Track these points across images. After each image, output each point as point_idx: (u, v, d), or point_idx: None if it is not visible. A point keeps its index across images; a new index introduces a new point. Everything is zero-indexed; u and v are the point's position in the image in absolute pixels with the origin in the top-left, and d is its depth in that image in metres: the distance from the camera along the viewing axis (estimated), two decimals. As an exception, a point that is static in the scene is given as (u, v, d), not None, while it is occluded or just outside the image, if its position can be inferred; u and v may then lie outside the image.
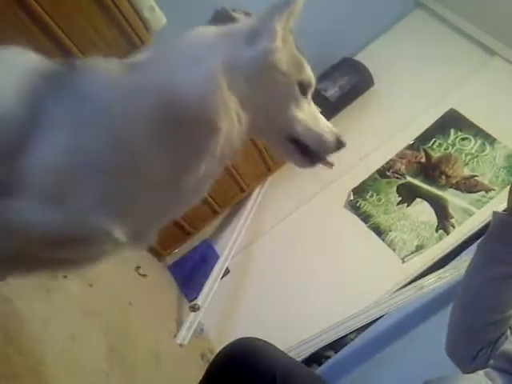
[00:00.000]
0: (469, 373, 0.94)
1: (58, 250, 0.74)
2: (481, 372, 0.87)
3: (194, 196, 0.83)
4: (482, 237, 1.04)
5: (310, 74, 0.87)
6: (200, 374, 1.23)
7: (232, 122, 0.77)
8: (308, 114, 0.87)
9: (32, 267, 0.84)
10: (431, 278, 2.26)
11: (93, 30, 1.80)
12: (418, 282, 2.30)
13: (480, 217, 2.52)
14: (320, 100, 2.86)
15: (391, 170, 2.86)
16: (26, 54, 0.78)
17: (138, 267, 2.43)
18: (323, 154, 0.89)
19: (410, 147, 2.91)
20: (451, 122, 2.88)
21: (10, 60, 0.75)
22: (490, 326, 0.97)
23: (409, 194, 2.77)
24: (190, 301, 2.67)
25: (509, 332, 0.96)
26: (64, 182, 0.68)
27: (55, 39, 1.70)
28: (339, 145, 0.89)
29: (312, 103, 0.90)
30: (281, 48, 0.81)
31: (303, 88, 0.86)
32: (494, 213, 1.02)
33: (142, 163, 0.71)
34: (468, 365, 0.99)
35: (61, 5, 1.70)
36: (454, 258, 2.38)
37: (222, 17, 2.67)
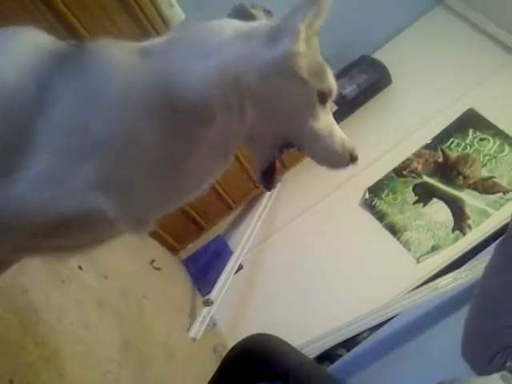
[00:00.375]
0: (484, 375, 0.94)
1: (57, 237, 0.75)
2: (496, 375, 0.86)
3: (191, 188, 0.81)
4: (501, 238, 1.03)
5: (332, 84, 0.81)
6: (212, 368, 1.24)
7: (231, 116, 0.74)
8: (323, 125, 0.80)
9: (36, 254, 0.86)
10: (446, 279, 2.24)
11: (112, 24, 1.82)
12: (433, 282, 2.28)
13: (497, 218, 2.48)
14: (337, 98, 2.84)
15: (408, 169, 2.84)
16: (39, 34, 0.79)
17: (153, 260, 2.45)
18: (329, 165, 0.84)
19: (428, 146, 2.88)
20: (470, 121, 2.84)
21: (22, 39, 0.76)
22: (508, 329, 0.96)
23: (425, 194, 2.74)
24: (204, 295, 2.68)
25: None
26: (65, 160, 0.68)
27: (74, 33, 1.72)
28: (350, 160, 0.84)
29: (330, 113, 0.83)
30: (303, 51, 0.75)
31: (323, 98, 0.79)
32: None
33: (142, 147, 0.71)
34: (484, 368, 0.97)
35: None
36: (469, 260, 2.35)
37: (240, 13, 2.67)
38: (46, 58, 0.72)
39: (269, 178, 0.86)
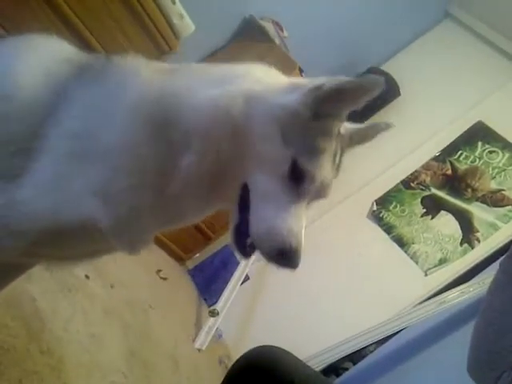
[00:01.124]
0: None
1: (56, 246, 0.75)
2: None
3: (184, 216, 0.79)
4: (505, 254, 1.02)
5: (316, 171, 0.72)
6: (217, 379, 1.23)
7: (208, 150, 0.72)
8: (283, 200, 0.72)
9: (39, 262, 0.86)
10: (454, 293, 2.22)
11: (122, 34, 1.84)
12: (441, 296, 2.26)
13: (506, 232, 2.47)
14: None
15: (416, 182, 2.83)
16: (61, 43, 0.80)
17: (159, 270, 2.45)
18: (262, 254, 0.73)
19: (436, 159, 2.87)
20: (479, 134, 2.83)
21: (44, 47, 0.77)
22: None
23: (433, 206, 2.73)
24: (210, 306, 2.67)
25: None
26: (69, 165, 0.69)
27: (85, 43, 1.74)
28: (280, 260, 0.72)
29: (302, 208, 0.75)
30: (304, 114, 0.71)
31: (296, 174, 0.71)
32: None
33: (141, 162, 0.70)
34: None
35: (92, 9, 1.74)
36: (478, 273, 2.33)
37: (249, 25, 2.69)
38: (64, 65, 0.74)
39: (243, 243, 0.75)
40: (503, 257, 1.01)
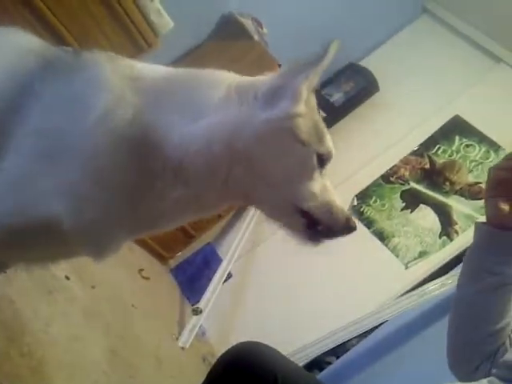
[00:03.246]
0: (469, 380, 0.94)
1: (23, 247, 0.73)
2: (484, 381, 0.87)
3: (152, 226, 0.78)
4: (468, 248, 1.03)
5: (330, 147, 0.77)
6: (201, 377, 1.23)
7: (211, 185, 0.72)
8: (321, 189, 0.77)
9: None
10: (434, 285, 2.25)
11: (100, 32, 1.82)
12: (421, 288, 2.30)
13: (484, 224, 2.50)
14: (325, 105, 2.87)
15: (395, 176, 2.86)
16: (26, 35, 0.77)
17: (141, 270, 2.44)
18: (334, 234, 0.79)
19: (415, 153, 2.90)
20: (456, 128, 2.88)
21: (6, 38, 0.74)
22: (488, 338, 0.95)
23: (413, 200, 2.76)
24: (193, 304, 2.67)
25: (508, 342, 0.95)
26: (35, 163, 0.66)
27: (61, 40, 1.72)
28: (349, 228, 0.79)
29: (326, 176, 0.80)
30: (304, 113, 0.72)
31: (321, 161, 0.76)
32: (476, 223, 1.01)
33: (107, 169, 0.68)
34: (469, 379, 0.97)
35: (69, 7, 1.72)
36: (457, 265, 2.36)
37: (228, 22, 2.68)
38: (30, 59, 0.71)
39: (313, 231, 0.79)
40: (467, 250, 1.02)
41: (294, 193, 0.75)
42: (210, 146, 0.69)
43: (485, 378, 0.89)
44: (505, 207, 0.94)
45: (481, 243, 0.99)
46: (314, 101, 0.76)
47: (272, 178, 0.74)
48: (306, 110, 0.72)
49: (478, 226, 1.00)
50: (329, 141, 0.77)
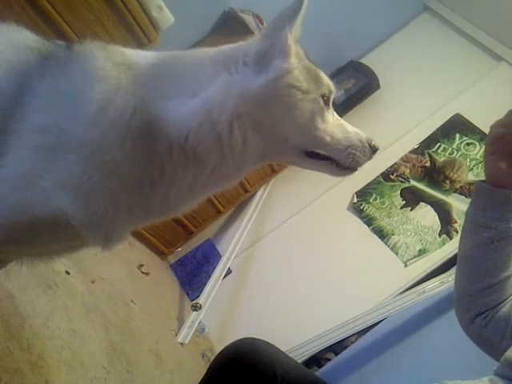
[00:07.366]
0: (470, 336, 0.99)
1: (28, 244, 0.73)
2: (485, 378, 0.87)
3: (167, 210, 0.79)
4: (469, 203, 1.08)
5: (329, 83, 0.81)
6: (200, 373, 1.23)
7: (225, 156, 0.74)
8: (334, 125, 0.81)
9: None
10: (433, 283, 2.25)
11: (101, 27, 1.81)
12: (420, 286, 2.30)
13: (484, 222, 2.50)
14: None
15: (395, 174, 2.86)
16: (22, 31, 0.77)
17: (141, 265, 2.44)
18: (355, 165, 0.84)
19: (415, 151, 2.90)
20: (456, 126, 2.87)
21: (4, 36, 0.74)
22: (485, 290, 0.98)
23: (413, 198, 2.76)
24: (192, 300, 2.67)
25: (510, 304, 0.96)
26: (38, 159, 0.67)
27: (62, 35, 1.71)
28: (372, 151, 0.85)
29: (333, 111, 0.84)
30: (296, 64, 0.75)
31: (326, 99, 0.80)
32: (475, 181, 1.06)
33: (110, 160, 0.69)
34: (466, 327, 1.02)
35: (70, 2, 1.71)
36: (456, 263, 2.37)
37: (230, 18, 2.68)
38: (27, 55, 0.71)
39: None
40: (468, 206, 1.06)
41: (312, 141, 0.79)
42: (211, 116, 0.71)
43: (479, 334, 0.94)
44: (503, 165, 0.97)
45: (478, 200, 1.03)
46: (300, 50, 0.78)
47: (286, 134, 0.76)
48: (297, 62, 0.75)
49: (477, 184, 1.05)
50: (325, 78, 0.81)
